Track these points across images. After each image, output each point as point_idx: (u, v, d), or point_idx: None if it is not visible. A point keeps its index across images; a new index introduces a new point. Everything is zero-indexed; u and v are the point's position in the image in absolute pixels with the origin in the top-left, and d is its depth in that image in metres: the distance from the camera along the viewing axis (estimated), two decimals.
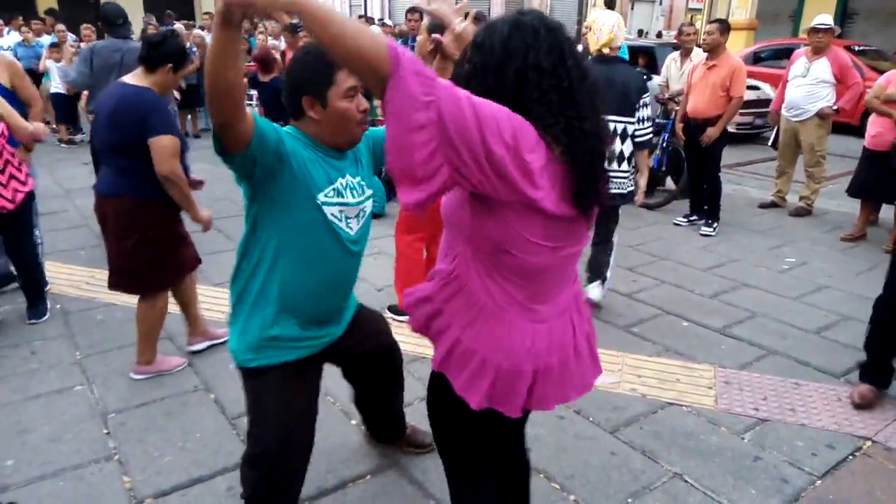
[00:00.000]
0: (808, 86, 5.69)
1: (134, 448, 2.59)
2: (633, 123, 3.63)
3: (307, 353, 1.95)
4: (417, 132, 1.19)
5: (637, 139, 3.65)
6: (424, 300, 1.55)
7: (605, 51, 3.66)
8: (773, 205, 6.25)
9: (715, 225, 5.49)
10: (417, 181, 1.23)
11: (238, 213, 5.92)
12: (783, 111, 5.99)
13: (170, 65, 2.91)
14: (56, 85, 8.75)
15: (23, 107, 3.77)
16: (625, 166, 3.66)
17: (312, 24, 1.17)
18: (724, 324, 3.78)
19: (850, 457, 2.61)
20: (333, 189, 1.83)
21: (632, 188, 3.75)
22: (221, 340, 3.32)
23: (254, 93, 8.04)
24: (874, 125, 5.09)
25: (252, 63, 6.98)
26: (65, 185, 6.71)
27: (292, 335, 1.89)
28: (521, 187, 1.28)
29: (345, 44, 1.16)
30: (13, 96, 3.71)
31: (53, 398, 2.94)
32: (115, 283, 3.06)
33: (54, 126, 9.54)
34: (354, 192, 1.90)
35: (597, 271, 3.89)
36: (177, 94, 7.75)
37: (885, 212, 5.56)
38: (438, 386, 1.60)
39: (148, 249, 2.94)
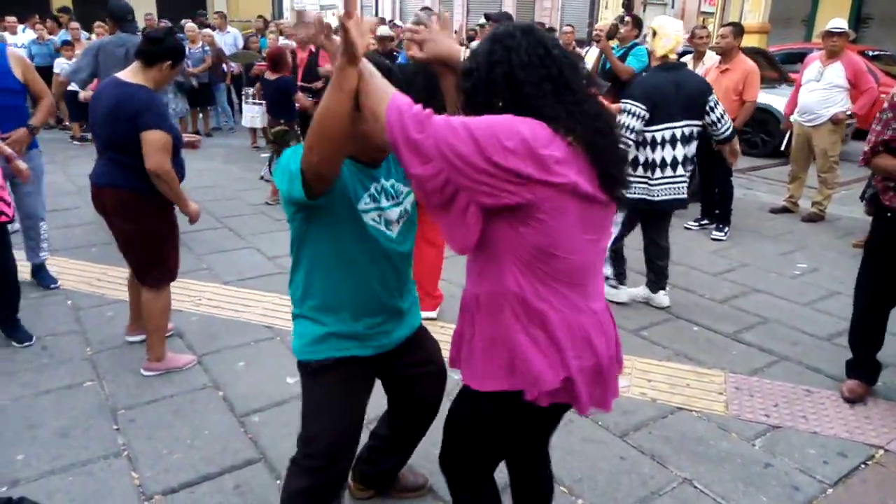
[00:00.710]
0: (822, 90, 5.65)
1: (143, 445, 2.60)
2: (700, 126, 3.72)
3: (363, 353, 1.91)
4: (422, 167, 1.35)
5: (720, 137, 3.77)
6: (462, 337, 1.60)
7: (672, 56, 3.75)
8: (784, 210, 6.21)
9: (726, 229, 5.45)
10: (441, 209, 1.40)
11: (248, 213, 5.94)
12: (796, 116, 5.95)
13: (168, 62, 2.94)
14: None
15: (33, 101, 3.82)
16: (680, 170, 3.71)
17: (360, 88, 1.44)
18: (734, 329, 3.76)
19: (863, 465, 2.58)
20: (369, 195, 1.83)
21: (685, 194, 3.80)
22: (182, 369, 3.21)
23: (250, 90, 8.10)
24: None
25: (263, 62, 7.00)
26: (77, 182, 6.74)
27: (348, 331, 1.87)
28: (547, 179, 1.32)
29: (364, 96, 1.44)
30: (26, 91, 3.75)
31: (63, 394, 2.95)
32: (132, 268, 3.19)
33: (67, 123, 9.61)
34: (389, 195, 1.88)
35: (662, 275, 3.99)
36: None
37: None
38: (474, 402, 1.59)
39: (147, 241, 3.01)
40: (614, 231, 3.87)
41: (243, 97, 8.53)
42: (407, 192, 1.95)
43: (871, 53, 8.66)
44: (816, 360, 3.39)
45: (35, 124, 3.76)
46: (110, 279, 4.26)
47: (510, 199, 1.34)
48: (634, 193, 3.73)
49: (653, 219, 3.94)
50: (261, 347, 3.42)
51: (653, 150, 3.68)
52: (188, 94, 9.02)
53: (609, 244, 3.79)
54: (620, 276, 4.08)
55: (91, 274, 4.34)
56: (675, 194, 3.74)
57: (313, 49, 7.29)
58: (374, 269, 1.86)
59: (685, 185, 3.78)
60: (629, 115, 3.60)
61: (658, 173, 3.69)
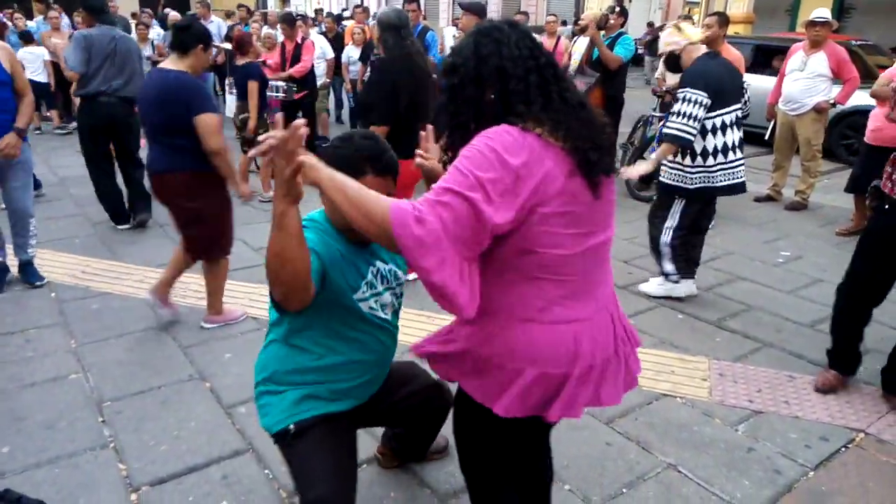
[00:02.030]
0: (806, 80, 5.69)
1: (129, 436, 2.59)
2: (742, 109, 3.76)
3: (342, 409, 1.88)
4: (430, 259, 1.29)
5: (743, 117, 3.79)
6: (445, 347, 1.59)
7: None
8: (768, 198, 6.26)
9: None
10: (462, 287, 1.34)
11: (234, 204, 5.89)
12: (780, 105, 6.00)
13: (200, 45, 3.17)
14: (35, 72, 8.47)
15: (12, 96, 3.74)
16: (739, 154, 3.72)
17: (330, 196, 1.35)
18: (719, 316, 3.80)
19: (843, 449, 2.63)
20: (366, 283, 1.80)
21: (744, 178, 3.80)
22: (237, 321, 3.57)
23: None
24: (874, 119, 5.08)
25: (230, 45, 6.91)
26: (60, 174, 6.67)
27: (327, 394, 1.85)
28: (527, 185, 1.32)
29: (349, 210, 1.32)
30: (10, 83, 3.68)
31: (49, 386, 2.93)
32: (186, 248, 3.39)
33: (47, 114, 9.45)
34: (386, 279, 1.87)
35: (696, 263, 4.01)
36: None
37: None
38: (469, 407, 1.59)
39: (210, 218, 3.29)
40: (669, 225, 3.84)
41: (227, 87, 8.45)
42: (403, 279, 1.95)
43: (854, 43, 8.72)
44: (799, 347, 3.43)
45: (22, 126, 3.71)
46: (95, 271, 4.22)
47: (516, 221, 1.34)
48: (694, 183, 3.69)
49: (707, 206, 3.91)
50: (247, 339, 3.41)
51: (713, 136, 3.63)
52: None
53: (666, 240, 3.85)
54: (684, 271, 3.97)
55: (75, 266, 4.30)
56: (734, 179, 3.73)
57: (299, 40, 7.24)
58: (364, 346, 1.86)
59: (743, 168, 3.76)
60: (692, 103, 3.52)
61: (720, 158, 3.65)
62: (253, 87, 5.77)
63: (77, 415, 2.72)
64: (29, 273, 4.01)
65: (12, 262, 4.06)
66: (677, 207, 3.82)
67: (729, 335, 3.58)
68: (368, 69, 7.58)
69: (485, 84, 1.41)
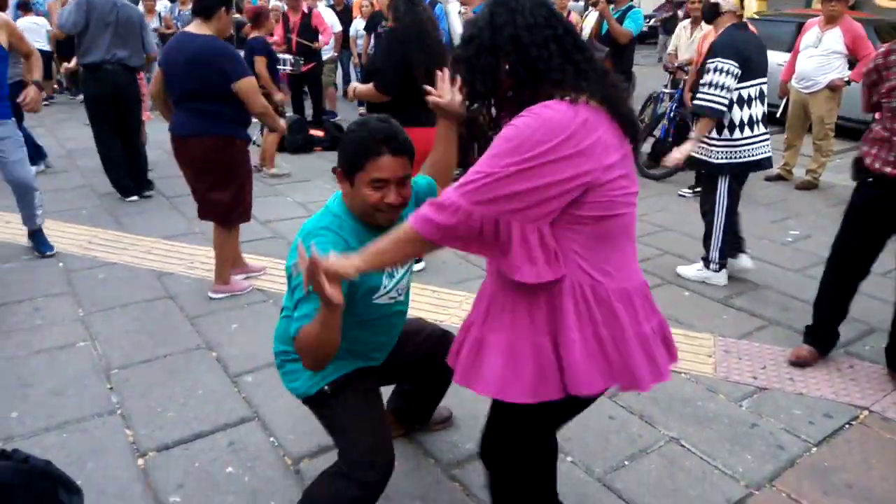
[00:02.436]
0: (820, 56, 5.59)
1: (137, 403, 2.62)
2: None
3: (368, 365, 1.95)
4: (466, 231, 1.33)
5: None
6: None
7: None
8: (779, 178, 6.20)
9: None
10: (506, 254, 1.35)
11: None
12: (793, 82, 5.90)
13: (223, 7, 3.17)
14: (37, 42, 8.39)
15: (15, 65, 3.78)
16: (763, 129, 3.66)
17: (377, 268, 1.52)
18: (725, 294, 3.78)
19: (847, 426, 2.63)
20: (387, 275, 1.84)
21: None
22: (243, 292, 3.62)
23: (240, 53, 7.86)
24: None
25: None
26: (67, 146, 6.67)
27: (350, 356, 1.89)
28: (591, 160, 1.31)
29: (395, 259, 1.47)
30: (6, 57, 3.68)
31: (57, 354, 2.96)
32: (204, 214, 3.45)
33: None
34: (396, 271, 1.90)
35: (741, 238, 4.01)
36: None
37: None
38: (513, 417, 1.55)
39: (229, 183, 3.33)
40: (720, 206, 3.76)
41: None
42: (411, 265, 1.97)
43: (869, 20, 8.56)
44: (806, 325, 3.41)
45: (38, 79, 3.77)
46: (101, 242, 4.24)
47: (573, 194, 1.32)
48: (718, 158, 3.63)
49: (744, 179, 3.84)
50: (254, 310, 3.43)
51: (749, 107, 3.58)
52: None
53: (721, 222, 3.78)
54: (734, 252, 3.95)
55: (82, 237, 4.31)
56: (762, 153, 3.67)
57: (306, 10, 7.16)
58: (381, 331, 1.93)
59: (769, 143, 3.71)
60: (723, 73, 3.46)
61: (746, 132, 3.59)
62: (259, 61, 5.70)
63: (85, 382, 2.75)
64: (39, 241, 4.03)
65: (21, 232, 4.08)
66: (722, 186, 3.73)
67: (735, 313, 3.57)
68: (373, 40, 7.51)
69: (500, 54, 1.39)
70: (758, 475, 2.32)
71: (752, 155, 3.66)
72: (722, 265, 3.88)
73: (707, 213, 3.87)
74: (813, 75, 5.66)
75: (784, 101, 6.31)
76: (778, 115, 6.66)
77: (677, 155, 3.67)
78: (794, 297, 3.75)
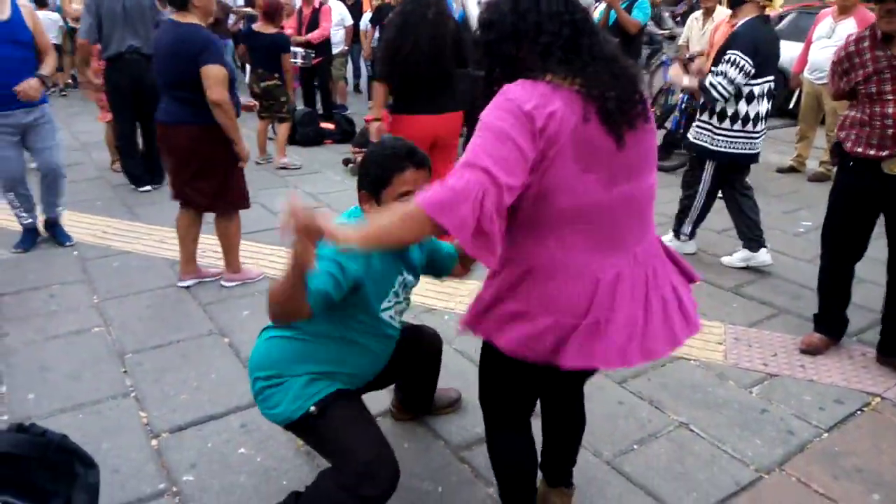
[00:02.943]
0: (833, 47, 5.50)
1: (150, 387, 2.66)
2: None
3: (349, 385, 1.92)
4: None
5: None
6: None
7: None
8: (791, 169, 6.16)
9: None
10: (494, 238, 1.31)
11: (251, 169, 5.92)
12: (806, 74, 5.85)
13: None
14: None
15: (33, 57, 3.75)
16: (763, 126, 3.73)
17: (373, 245, 1.43)
18: (736, 283, 3.77)
19: (858, 412, 2.62)
20: (394, 292, 1.87)
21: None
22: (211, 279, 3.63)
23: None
24: None
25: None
26: (81, 139, 6.74)
27: (333, 380, 1.88)
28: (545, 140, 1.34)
29: (391, 241, 1.39)
30: (32, 44, 3.70)
31: (73, 339, 3.00)
32: (188, 201, 3.41)
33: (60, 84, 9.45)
34: (407, 289, 1.94)
35: (759, 229, 3.98)
36: None
37: None
38: (490, 351, 1.59)
39: (215, 172, 3.29)
40: (703, 187, 3.93)
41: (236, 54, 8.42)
42: (412, 287, 2.00)
43: None
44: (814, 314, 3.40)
45: (46, 73, 3.76)
46: (116, 231, 4.29)
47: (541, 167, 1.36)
48: (735, 149, 3.73)
49: (741, 173, 3.96)
50: (265, 298, 3.44)
51: (758, 103, 3.65)
52: None
53: (700, 202, 3.97)
54: (755, 246, 3.98)
55: (97, 226, 4.37)
56: (753, 149, 3.78)
57: (317, 5, 7.19)
58: (373, 352, 1.93)
59: (762, 140, 3.84)
60: (735, 66, 3.52)
61: (749, 127, 3.68)
62: (286, 59, 5.84)
63: (100, 366, 2.79)
64: (58, 233, 4.08)
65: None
66: (709, 170, 3.87)
67: (746, 301, 3.56)
68: (377, 33, 7.54)
69: (522, 40, 1.40)
70: (767, 459, 2.32)
71: (749, 149, 3.75)
72: (691, 237, 4.15)
73: (688, 191, 4.03)
74: (826, 66, 5.56)
75: (797, 92, 6.26)
76: (791, 106, 6.61)
77: (676, 75, 3.97)
78: (804, 287, 3.73)
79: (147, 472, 2.19)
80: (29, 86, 3.60)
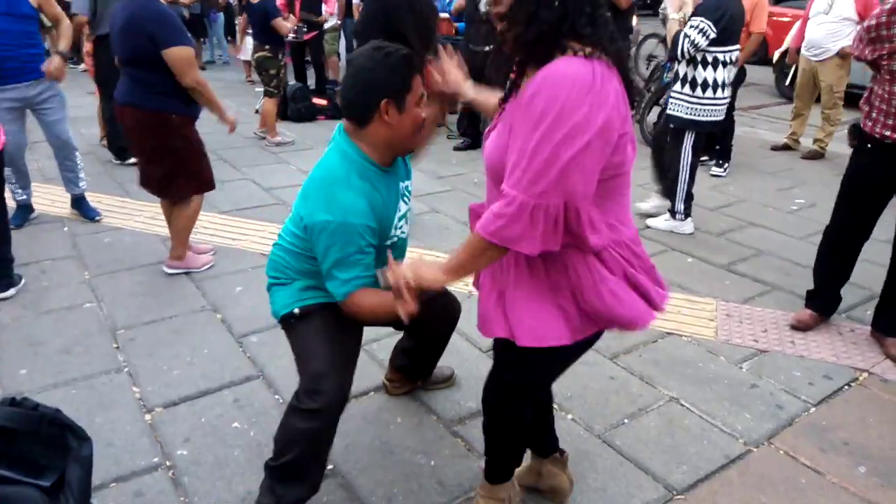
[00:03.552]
0: (830, 23, 5.50)
1: (143, 362, 2.65)
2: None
3: None
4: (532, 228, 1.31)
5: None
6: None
7: None
8: (785, 147, 6.15)
9: (726, 166, 5.42)
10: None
11: (243, 145, 5.88)
12: (803, 50, 5.82)
13: None
14: None
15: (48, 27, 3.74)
16: (727, 93, 3.88)
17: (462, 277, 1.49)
18: (729, 260, 3.78)
19: (846, 387, 2.65)
20: (399, 216, 1.85)
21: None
22: (199, 269, 3.47)
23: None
24: None
25: None
26: (70, 114, 6.62)
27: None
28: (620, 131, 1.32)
29: (475, 270, 1.52)
30: (37, 17, 3.63)
31: (64, 314, 2.99)
32: (142, 183, 3.30)
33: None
34: (407, 197, 1.91)
35: (692, 197, 4.21)
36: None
37: None
38: (535, 359, 1.54)
39: (163, 158, 3.12)
40: (685, 163, 4.00)
41: (237, 27, 8.31)
42: (410, 186, 1.97)
43: None
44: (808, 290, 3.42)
45: (64, 50, 3.68)
46: (106, 207, 4.25)
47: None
48: (709, 116, 3.85)
49: (704, 140, 4.09)
50: (258, 273, 3.43)
51: (725, 69, 3.79)
52: None
53: (685, 175, 4.02)
54: (688, 210, 4.17)
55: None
56: (717, 116, 3.91)
57: None
58: (380, 263, 1.87)
59: (725, 107, 3.98)
60: (698, 31, 3.66)
61: (727, 93, 3.86)
62: (279, 23, 5.73)
63: (92, 341, 2.79)
64: (84, 208, 4.05)
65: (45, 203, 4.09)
66: (688, 142, 3.96)
67: (738, 278, 3.58)
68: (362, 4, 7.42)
69: (554, 8, 1.30)
70: (756, 433, 2.35)
71: (717, 116, 3.89)
72: (687, 214, 4.13)
73: (671, 168, 4.09)
74: (823, 43, 5.57)
75: (793, 69, 6.23)
76: (787, 83, 6.58)
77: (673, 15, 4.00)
78: (797, 264, 3.75)
79: (141, 447, 2.19)
80: (55, 67, 3.57)
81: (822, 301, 3.05)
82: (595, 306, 1.44)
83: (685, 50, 3.72)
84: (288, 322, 1.90)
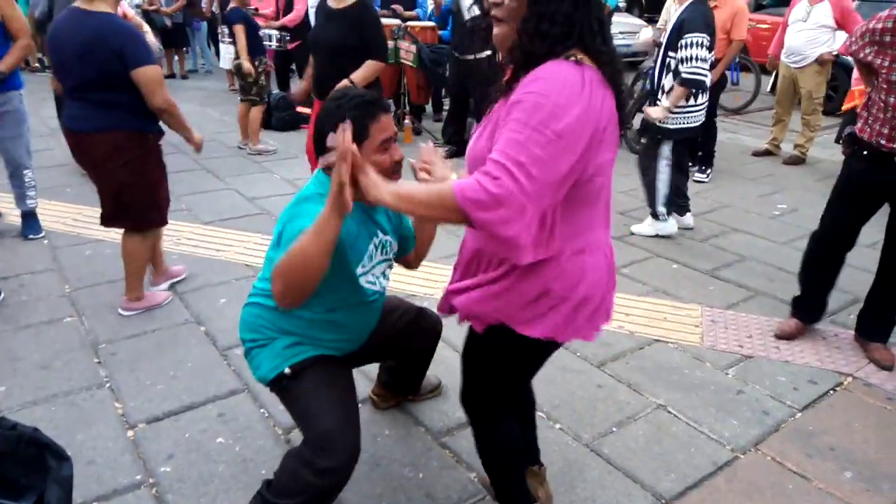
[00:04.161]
0: (809, 31, 5.58)
1: (126, 377, 2.61)
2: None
3: (336, 353, 1.89)
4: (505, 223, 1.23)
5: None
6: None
7: None
8: (767, 153, 6.23)
9: (708, 171, 5.48)
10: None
11: (226, 155, 5.84)
12: (782, 57, 5.90)
13: None
14: None
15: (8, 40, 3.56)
16: (704, 98, 3.90)
17: (398, 208, 1.36)
18: (713, 266, 3.81)
19: (831, 391, 2.67)
20: (368, 256, 1.80)
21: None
22: (180, 278, 3.43)
23: (226, 29, 7.73)
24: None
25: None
26: (50, 125, 6.56)
27: (319, 345, 1.84)
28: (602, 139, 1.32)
29: (421, 212, 1.35)
30: (2, 27, 3.53)
31: (44, 328, 2.94)
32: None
33: (37, 64, 9.25)
34: (385, 250, 1.88)
35: (687, 197, 4.38)
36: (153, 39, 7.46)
37: None
38: (498, 337, 1.53)
39: (144, 185, 2.92)
40: (664, 167, 4.04)
41: (219, 36, 8.27)
42: (394, 247, 1.94)
43: None
44: (791, 295, 3.40)
45: (3, 69, 3.47)
46: (87, 219, 4.19)
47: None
48: (688, 123, 3.90)
49: (688, 145, 4.17)
50: (241, 285, 3.41)
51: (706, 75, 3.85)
52: (161, 35, 8.72)
53: (667, 179, 4.06)
54: (677, 206, 4.26)
55: (67, 214, 4.27)
56: (698, 122, 3.96)
57: None
58: (359, 319, 1.88)
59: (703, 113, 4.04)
60: (700, 46, 3.67)
61: (704, 98, 3.91)
62: (238, 29, 5.64)
63: (72, 356, 2.74)
64: (28, 225, 3.93)
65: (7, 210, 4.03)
66: (665, 148, 4.01)
67: (722, 284, 3.60)
68: None
69: (574, 19, 1.31)
70: (743, 439, 2.36)
71: (699, 122, 3.94)
72: (668, 213, 4.19)
73: (648, 172, 4.14)
74: (802, 49, 5.65)
75: (773, 75, 6.31)
76: (768, 89, 6.66)
77: (654, 114, 3.87)
78: (780, 269, 3.79)
79: (123, 464, 2.15)
80: None
81: (809, 308, 3.05)
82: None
83: (704, 73, 3.71)
84: (280, 384, 1.81)
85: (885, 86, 2.61)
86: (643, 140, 4.15)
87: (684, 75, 3.70)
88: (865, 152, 2.73)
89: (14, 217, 4.03)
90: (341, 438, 1.68)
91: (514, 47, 1.35)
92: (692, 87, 3.72)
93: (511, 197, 1.20)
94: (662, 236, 4.20)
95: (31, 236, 3.90)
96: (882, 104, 2.62)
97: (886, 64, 2.57)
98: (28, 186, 3.89)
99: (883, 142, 2.63)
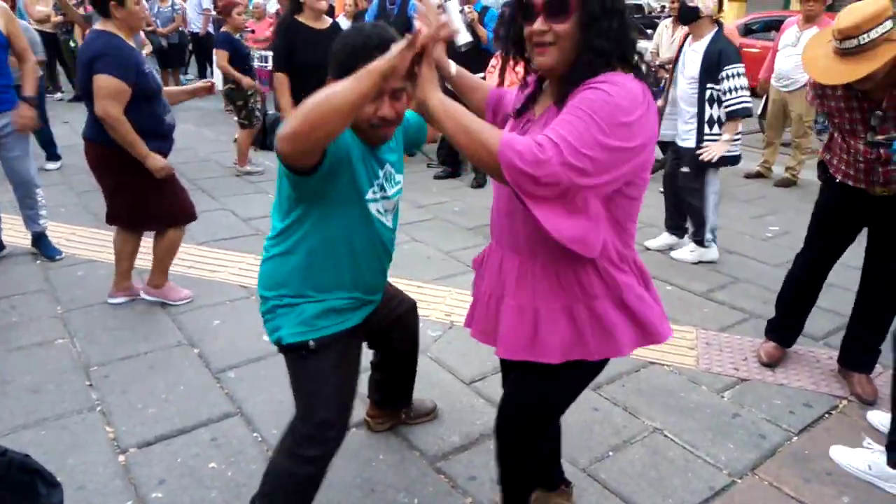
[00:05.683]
0: (799, 56, 5.62)
1: (117, 399, 2.58)
2: None
3: (359, 319, 1.88)
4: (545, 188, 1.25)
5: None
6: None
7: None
8: (758, 175, 6.28)
9: None
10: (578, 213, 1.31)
11: (221, 175, 5.85)
12: (773, 82, 5.98)
13: (112, 1, 2.87)
14: None
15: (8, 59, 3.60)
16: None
17: (440, 121, 1.33)
18: (707, 288, 3.82)
19: (827, 415, 2.67)
20: (378, 184, 1.78)
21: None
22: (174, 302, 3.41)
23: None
24: None
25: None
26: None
27: (344, 305, 1.82)
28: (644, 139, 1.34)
29: (459, 135, 1.30)
30: (6, 45, 3.54)
31: (35, 350, 2.91)
32: (108, 218, 3.24)
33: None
34: (391, 182, 1.85)
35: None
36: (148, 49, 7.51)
37: None
38: (559, 376, 1.55)
39: (126, 193, 3.10)
40: (712, 193, 4.13)
41: (214, 57, 8.32)
42: (400, 180, 1.92)
43: None
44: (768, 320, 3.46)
45: (31, 94, 3.53)
46: (80, 239, 4.18)
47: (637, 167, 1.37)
48: (737, 150, 3.98)
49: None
50: (236, 306, 3.40)
51: (715, 106, 3.95)
52: (158, 55, 8.78)
53: (713, 206, 4.15)
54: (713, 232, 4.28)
55: (60, 234, 4.24)
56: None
57: None
58: (372, 257, 1.85)
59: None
60: (742, 76, 3.82)
61: (716, 129, 3.98)
62: (219, 54, 5.69)
63: (64, 378, 2.71)
64: (44, 246, 3.91)
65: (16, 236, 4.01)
66: (712, 176, 4.11)
67: (716, 306, 3.61)
68: None
69: (623, 22, 1.36)
70: (740, 464, 2.35)
71: (738, 149, 4.00)
72: (712, 241, 4.23)
73: (693, 200, 4.16)
74: (792, 74, 5.73)
75: (763, 99, 6.40)
76: (759, 113, 6.74)
77: (716, 150, 3.88)
78: (773, 291, 3.74)
79: (114, 489, 2.12)
80: (22, 116, 3.48)
81: (786, 331, 3.04)
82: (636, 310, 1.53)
83: (748, 100, 3.83)
84: (297, 353, 1.77)
85: (836, 130, 2.64)
86: (684, 169, 4.15)
87: (734, 107, 3.82)
88: (838, 180, 2.72)
89: (6, 237, 4.00)
90: (335, 429, 1.74)
91: (572, 66, 1.37)
92: (742, 116, 3.85)
93: (550, 165, 1.22)
94: (676, 258, 4.27)
95: (57, 257, 3.88)
96: (844, 145, 2.62)
97: (836, 113, 2.58)
98: (40, 206, 3.88)
99: (850, 182, 2.64)
